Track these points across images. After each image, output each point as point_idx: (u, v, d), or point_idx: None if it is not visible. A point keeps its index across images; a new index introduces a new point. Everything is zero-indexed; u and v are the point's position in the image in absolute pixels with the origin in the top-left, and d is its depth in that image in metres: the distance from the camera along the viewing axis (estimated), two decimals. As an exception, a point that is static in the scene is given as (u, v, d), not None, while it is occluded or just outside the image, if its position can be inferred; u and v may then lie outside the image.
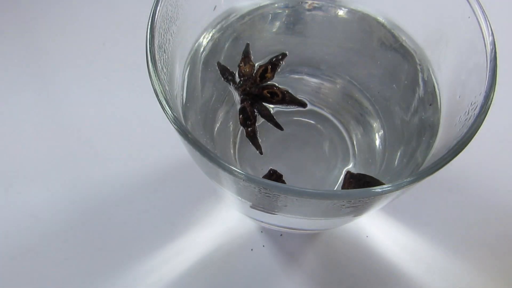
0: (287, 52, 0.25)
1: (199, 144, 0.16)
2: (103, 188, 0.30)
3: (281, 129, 0.25)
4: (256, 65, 0.25)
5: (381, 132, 0.26)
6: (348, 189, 0.20)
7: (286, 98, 0.24)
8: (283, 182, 0.21)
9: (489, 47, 0.18)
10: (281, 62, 0.25)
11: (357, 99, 0.27)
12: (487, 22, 0.19)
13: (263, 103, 0.25)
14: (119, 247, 0.29)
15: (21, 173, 0.31)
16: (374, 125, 0.26)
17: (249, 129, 0.24)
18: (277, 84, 0.25)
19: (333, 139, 0.28)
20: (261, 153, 0.25)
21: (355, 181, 0.20)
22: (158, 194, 0.30)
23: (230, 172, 0.16)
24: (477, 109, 0.17)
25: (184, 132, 0.17)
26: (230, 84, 0.24)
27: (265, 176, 0.21)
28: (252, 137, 0.24)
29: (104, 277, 0.28)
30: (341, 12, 0.26)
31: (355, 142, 0.27)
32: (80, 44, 0.36)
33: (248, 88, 0.24)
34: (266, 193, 0.17)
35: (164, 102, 0.17)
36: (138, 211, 0.30)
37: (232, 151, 0.27)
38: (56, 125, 0.33)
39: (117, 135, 0.32)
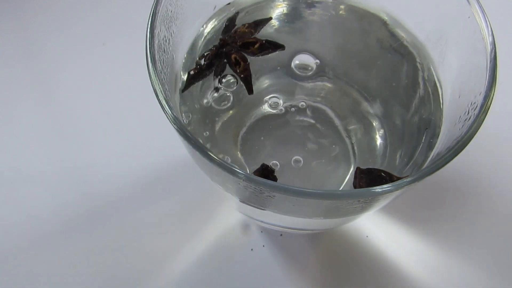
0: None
1: (198, 144, 0.16)
2: (103, 188, 0.30)
3: (251, 92, 0.25)
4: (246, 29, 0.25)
5: (382, 131, 0.26)
6: (360, 184, 0.20)
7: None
8: (275, 177, 0.21)
9: (489, 47, 0.18)
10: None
11: (357, 99, 0.27)
12: (487, 22, 0.19)
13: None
14: (119, 247, 0.29)
15: (21, 173, 0.31)
16: (375, 125, 0.26)
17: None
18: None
19: (333, 139, 0.28)
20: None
21: (365, 175, 0.20)
22: (158, 195, 0.30)
23: (230, 172, 0.16)
24: (477, 109, 0.17)
25: (183, 132, 0.17)
26: (222, 34, 0.24)
27: (257, 171, 0.21)
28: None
29: (104, 277, 0.28)
30: (341, 10, 0.25)
31: (355, 142, 0.27)
32: (80, 44, 0.36)
33: (227, 41, 0.24)
34: (261, 191, 0.17)
35: (164, 102, 0.17)
36: (138, 211, 0.30)
37: (233, 151, 0.27)
38: (56, 125, 0.33)
39: (118, 135, 0.32)
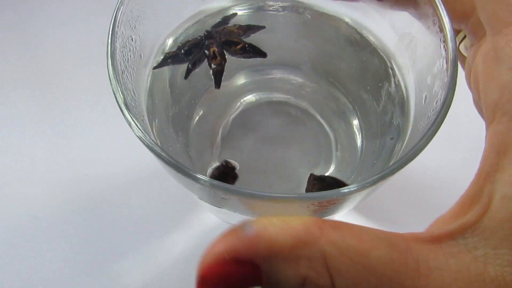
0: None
1: (151, 144, 0.17)
2: (102, 187, 0.31)
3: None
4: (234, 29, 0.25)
5: (360, 130, 0.26)
6: (312, 191, 0.20)
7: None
8: (235, 174, 0.21)
9: (450, 53, 0.18)
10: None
11: (338, 98, 0.27)
12: (450, 26, 0.18)
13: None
14: (117, 247, 0.29)
15: (20, 173, 0.31)
16: (354, 123, 0.26)
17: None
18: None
19: (316, 136, 0.27)
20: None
21: (318, 182, 0.20)
22: (158, 195, 0.30)
23: (184, 173, 0.16)
24: (435, 115, 0.17)
25: (150, 146, 0.17)
26: (212, 27, 0.25)
27: (218, 167, 0.21)
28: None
29: (102, 276, 0.28)
30: (313, 15, 0.25)
31: (337, 139, 0.27)
32: (80, 44, 0.36)
33: (212, 34, 0.24)
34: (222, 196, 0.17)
35: (123, 107, 0.18)
36: (137, 211, 0.30)
37: (210, 149, 0.27)
38: (55, 125, 0.33)
39: (117, 135, 0.32)
